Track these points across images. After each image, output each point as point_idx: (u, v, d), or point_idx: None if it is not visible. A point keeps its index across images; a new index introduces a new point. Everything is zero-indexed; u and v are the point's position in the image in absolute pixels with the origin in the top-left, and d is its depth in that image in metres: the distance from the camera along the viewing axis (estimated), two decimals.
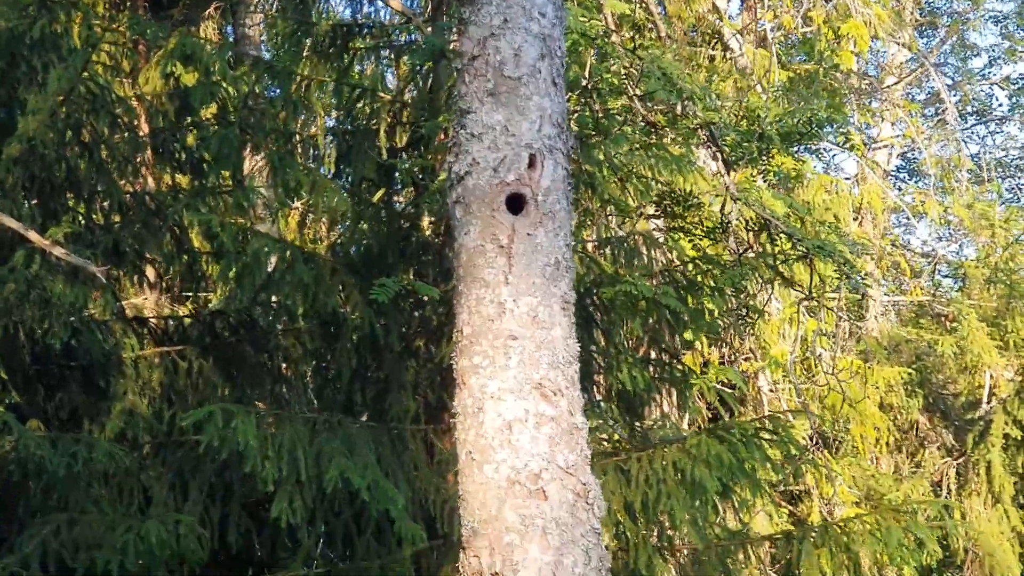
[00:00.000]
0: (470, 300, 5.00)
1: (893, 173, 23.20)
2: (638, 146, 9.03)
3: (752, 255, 9.08)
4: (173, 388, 10.12)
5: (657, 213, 9.24)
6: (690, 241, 9.54)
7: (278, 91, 10.17)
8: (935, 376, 17.81)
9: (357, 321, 9.20)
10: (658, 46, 8.40)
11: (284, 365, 10.41)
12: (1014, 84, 25.88)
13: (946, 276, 18.27)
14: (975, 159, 23.10)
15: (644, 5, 9.34)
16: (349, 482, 8.41)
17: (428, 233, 10.20)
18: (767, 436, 9.48)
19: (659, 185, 9.34)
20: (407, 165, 9.47)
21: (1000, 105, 26.61)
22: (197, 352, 10.09)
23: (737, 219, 8.96)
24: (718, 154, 8.47)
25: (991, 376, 15.91)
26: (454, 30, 9.83)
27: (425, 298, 9.36)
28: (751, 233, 8.92)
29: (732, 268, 9.12)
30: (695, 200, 9.10)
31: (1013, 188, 23.91)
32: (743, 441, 9.19)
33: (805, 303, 9.65)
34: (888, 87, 19.80)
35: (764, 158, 8.36)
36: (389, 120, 10.37)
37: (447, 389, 9.85)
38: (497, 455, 4.86)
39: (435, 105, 10.14)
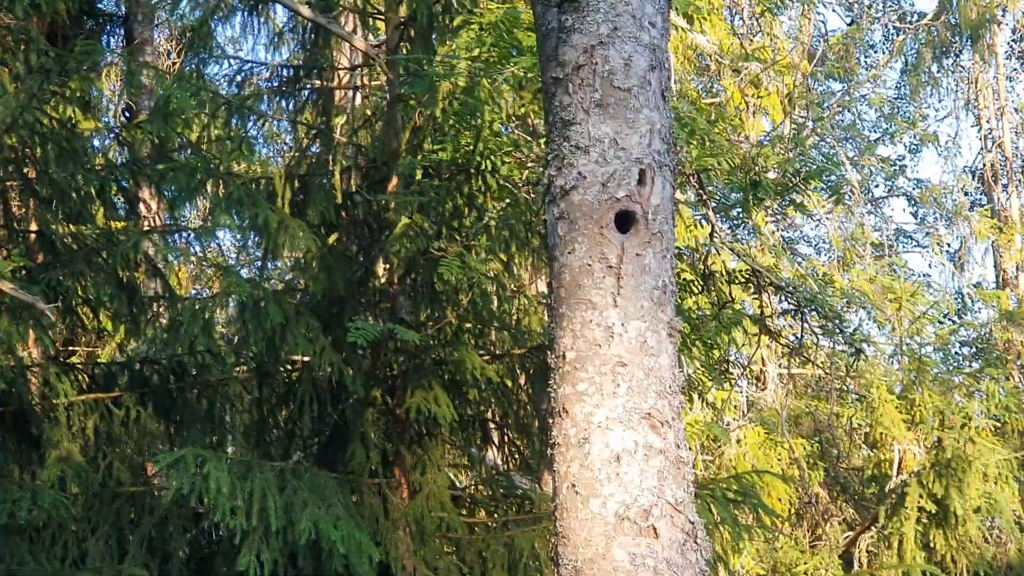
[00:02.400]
0: (574, 323, 4.66)
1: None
2: None
3: (731, 310, 8.89)
4: (108, 436, 9.60)
5: None
6: None
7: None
8: (834, 450, 17.83)
9: (325, 366, 8.79)
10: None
11: (227, 414, 9.93)
12: (892, 165, 26.31)
13: (848, 351, 18.26)
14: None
15: None
16: (321, 533, 8.00)
17: (383, 280, 9.84)
18: (737, 497, 9.26)
19: None
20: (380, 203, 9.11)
21: (877, 186, 26.98)
22: (134, 399, 9.57)
23: (720, 271, 8.75)
24: (708, 201, 8.26)
25: (899, 450, 15.91)
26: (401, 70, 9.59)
27: (397, 345, 9.04)
28: (732, 285, 8.71)
29: (711, 322, 8.92)
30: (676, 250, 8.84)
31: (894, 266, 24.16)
32: (720, 501, 8.96)
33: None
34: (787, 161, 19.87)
35: (755, 208, 8.17)
36: (344, 163, 10.03)
37: (402, 440, 9.52)
38: (604, 489, 4.52)
39: (391, 148, 9.84)
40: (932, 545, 15.23)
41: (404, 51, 9.91)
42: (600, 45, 4.80)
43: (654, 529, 4.51)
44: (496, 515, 10.14)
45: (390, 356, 9.49)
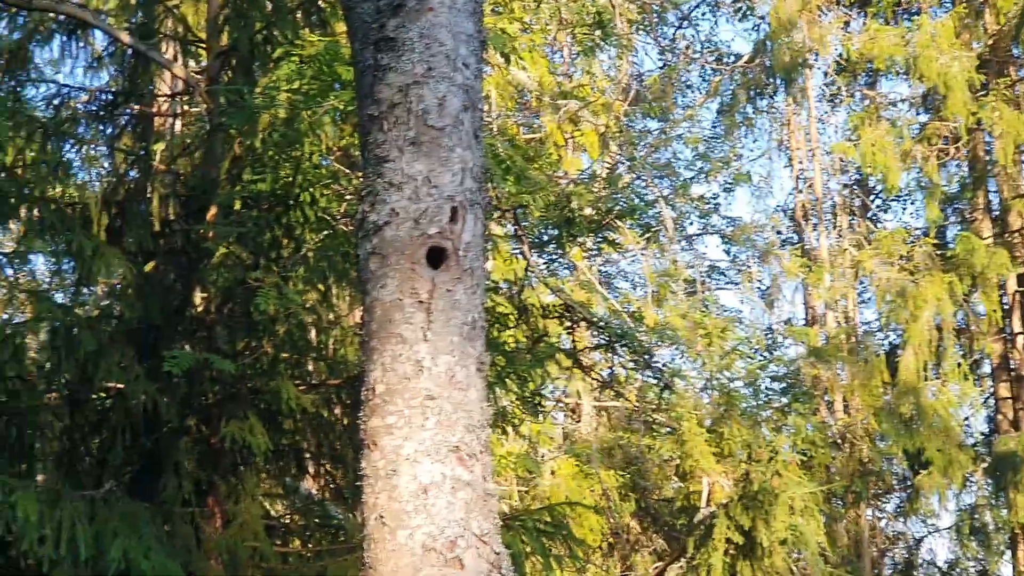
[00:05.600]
0: (384, 357, 4.73)
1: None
2: None
3: (545, 344, 9.03)
4: None
5: None
6: None
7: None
8: (645, 481, 18.11)
9: (139, 394, 8.73)
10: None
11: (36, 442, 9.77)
12: (706, 203, 26.85)
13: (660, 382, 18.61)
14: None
15: None
16: (131, 563, 7.95)
17: (200, 309, 9.81)
18: (548, 528, 9.40)
19: None
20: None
21: (691, 223, 27.52)
22: None
23: (535, 305, 8.90)
24: (524, 237, 8.41)
25: (708, 482, 16.23)
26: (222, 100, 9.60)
27: (213, 374, 9.03)
28: (547, 319, 8.86)
29: (523, 356, 9.05)
30: (490, 284, 8.99)
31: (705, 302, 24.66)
32: (531, 531, 9.08)
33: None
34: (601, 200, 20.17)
35: (569, 244, 8.35)
36: (162, 190, 9.98)
37: (216, 470, 9.49)
38: (412, 520, 4.60)
39: (211, 177, 9.83)
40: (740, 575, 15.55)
41: (225, 80, 9.92)
42: (415, 84, 4.90)
43: (459, 560, 4.60)
44: (310, 544, 10.15)
45: (206, 385, 9.46)
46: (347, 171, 8.90)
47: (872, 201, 27.18)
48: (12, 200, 8.84)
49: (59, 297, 11.55)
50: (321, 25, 10.11)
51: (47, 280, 13.14)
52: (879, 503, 25.39)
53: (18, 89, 10.60)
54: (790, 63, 23.57)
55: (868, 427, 21.82)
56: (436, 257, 4.82)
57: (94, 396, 9.48)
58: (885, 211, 28.14)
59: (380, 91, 4.96)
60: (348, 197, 8.97)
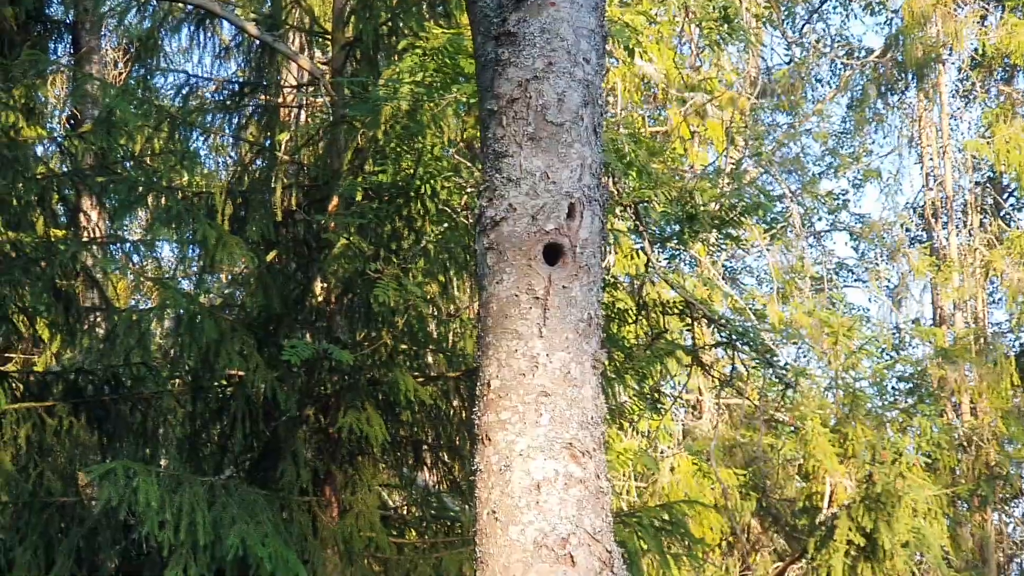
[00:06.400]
0: (500, 352, 4.73)
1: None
2: None
3: (665, 340, 8.97)
4: (40, 445, 9.55)
5: None
6: None
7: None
8: (767, 480, 17.94)
9: (259, 383, 8.81)
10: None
11: (160, 427, 9.91)
12: (835, 199, 26.55)
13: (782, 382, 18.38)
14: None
15: None
16: (248, 550, 8.03)
17: (320, 299, 9.87)
18: (665, 526, 9.34)
19: None
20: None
21: (819, 219, 27.24)
22: (68, 409, 9.53)
23: (653, 301, 8.83)
24: (644, 233, 8.35)
25: (831, 483, 16.02)
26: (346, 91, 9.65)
27: (332, 364, 9.08)
28: (667, 316, 8.79)
29: (642, 352, 8.99)
30: (610, 279, 8.95)
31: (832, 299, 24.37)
32: (648, 529, 9.04)
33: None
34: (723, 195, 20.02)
35: (692, 239, 8.27)
36: (285, 180, 10.06)
37: (333, 459, 9.54)
38: (524, 516, 4.59)
39: (333, 168, 9.88)
40: None
41: (349, 72, 9.97)
42: (535, 79, 4.88)
43: (571, 557, 4.57)
44: (426, 536, 10.18)
45: (324, 375, 9.52)
46: (468, 164, 8.89)
47: (1005, 200, 26.66)
48: (140, 188, 8.97)
49: (184, 285, 11.72)
50: (446, 16, 10.14)
51: (172, 268, 13.34)
52: (1006, 508, 24.91)
53: (148, 77, 10.75)
54: (923, 58, 23.21)
55: (996, 430, 21.42)
56: (553, 253, 4.80)
57: (215, 383, 9.59)
58: (1019, 210, 27.59)
59: (500, 85, 4.95)
60: (469, 190, 8.96)
